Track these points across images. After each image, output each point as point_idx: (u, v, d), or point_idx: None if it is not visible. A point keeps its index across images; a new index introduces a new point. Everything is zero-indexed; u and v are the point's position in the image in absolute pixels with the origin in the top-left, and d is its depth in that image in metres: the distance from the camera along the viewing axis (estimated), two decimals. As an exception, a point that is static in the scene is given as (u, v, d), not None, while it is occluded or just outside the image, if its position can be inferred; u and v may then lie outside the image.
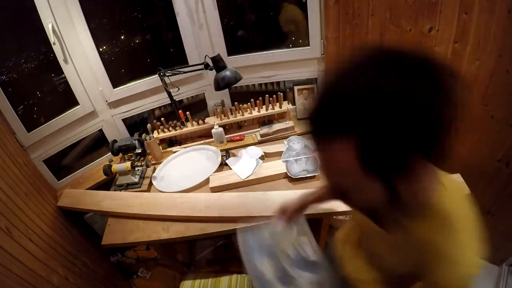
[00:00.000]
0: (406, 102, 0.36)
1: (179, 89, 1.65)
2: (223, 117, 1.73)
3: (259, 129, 1.75)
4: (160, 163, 1.65)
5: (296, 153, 1.46)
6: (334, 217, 1.84)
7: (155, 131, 1.74)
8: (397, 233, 0.55)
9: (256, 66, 1.79)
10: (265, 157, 1.56)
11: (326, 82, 0.43)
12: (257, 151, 1.56)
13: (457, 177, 1.21)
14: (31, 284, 1.04)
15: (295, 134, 1.68)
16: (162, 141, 1.78)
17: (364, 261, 0.77)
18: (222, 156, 1.58)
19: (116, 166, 1.46)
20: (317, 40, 1.66)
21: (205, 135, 1.81)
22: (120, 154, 1.61)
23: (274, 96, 1.71)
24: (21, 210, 1.16)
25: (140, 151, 1.62)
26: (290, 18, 1.75)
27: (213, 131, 1.67)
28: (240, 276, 1.35)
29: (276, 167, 1.44)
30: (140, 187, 1.49)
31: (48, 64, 1.44)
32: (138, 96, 1.73)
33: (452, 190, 0.53)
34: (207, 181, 1.43)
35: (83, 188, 1.57)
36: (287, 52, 1.76)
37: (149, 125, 1.71)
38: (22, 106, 1.39)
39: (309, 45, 1.69)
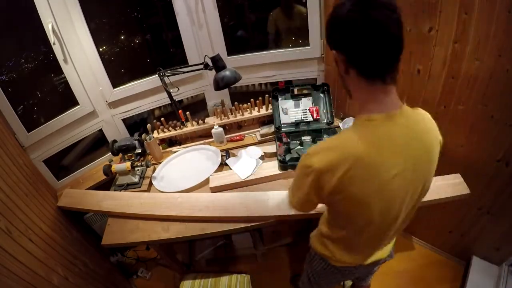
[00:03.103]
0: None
1: (179, 89, 1.65)
2: (223, 117, 1.73)
3: (259, 129, 1.75)
4: (160, 163, 1.65)
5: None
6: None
7: (155, 131, 1.74)
8: None
9: (256, 66, 1.79)
10: (265, 157, 1.56)
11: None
12: (257, 151, 1.56)
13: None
14: (31, 284, 1.04)
15: (295, 134, 1.68)
16: (162, 141, 1.78)
17: None
18: (222, 156, 1.58)
19: (116, 166, 1.46)
20: (317, 40, 1.66)
21: (205, 135, 1.81)
22: (120, 154, 1.61)
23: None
24: (21, 210, 1.16)
25: (140, 151, 1.62)
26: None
27: (213, 131, 1.67)
28: (240, 276, 1.35)
29: (276, 167, 1.44)
30: (140, 187, 1.49)
31: (48, 64, 1.44)
32: (138, 96, 1.73)
33: (368, 130, 0.64)
34: (207, 181, 1.43)
35: (83, 188, 1.56)
36: (287, 52, 1.76)
37: (149, 125, 1.71)
38: (22, 106, 1.39)
39: (309, 45, 1.69)
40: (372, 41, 0.56)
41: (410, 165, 0.65)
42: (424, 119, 0.70)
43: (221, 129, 1.68)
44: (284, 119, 1.67)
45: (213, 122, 1.71)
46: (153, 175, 1.56)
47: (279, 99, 1.68)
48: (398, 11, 0.56)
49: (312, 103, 1.67)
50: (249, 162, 1.48)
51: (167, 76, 1.51)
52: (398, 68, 0.61)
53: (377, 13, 0.54)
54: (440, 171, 1.26)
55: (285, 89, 1.67)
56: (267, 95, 1.70)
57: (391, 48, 0.57)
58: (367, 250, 0.88)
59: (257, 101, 1.71)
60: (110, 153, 1.60)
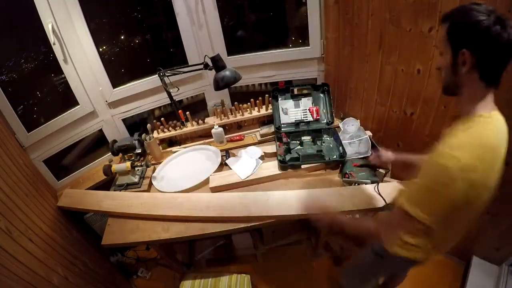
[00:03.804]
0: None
1: (178, 89, 1.65)
2: (223, 117, 1.73)
3: (259, 129, 1.75)
4: (160, 163, 1.65)
5: (350, 136, 1.48)
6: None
7: (155, 131, 1.74)
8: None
9: (256, 66, 1.79)
10: (265, 157, 1.56)
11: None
12: (257, 151, 1.56)
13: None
14: (31, 284, 1.04)
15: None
16: (162, 141, 1.78)
17: None
18: (222, 156, 1.58)
19: (116, 166, 1.46)
20: (317, 40, 1.66)
21: (205, 135, 1.81)
22: (120, 154, 1.61)
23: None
24: (21, 210, 1.16)
25: (140, 151, 1.62)
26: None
27: (213, 131, 1.67)
28: (240, 276, 1.35)
29: (276, 167, 1.44)
30: (140, 187, 1.49)
31: (48, 64, 1.44)
32: (138, 96, 1.73)
33: (491, 123, 0.70)
34: (207, 181, 1.43)
35: (83, 188, 1.56)
36: (287, 52, 1.76)
37: (149, 125, 1.71)
38: (22, 106, 1.39)
39: (309, 45, 1.69)
40: (506, 55, 0.65)
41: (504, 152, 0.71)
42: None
43: (221, 129, 1.68)
44: (284, 119, 1.67)
45: (213, 122, 1.71)
46: (153, 175, 1.56)
47: (279, 99, 1.68)
48: None
49: (312, 103, 1.68)
50: (249, 162, 1.48)
51: (167, 76, 1.51)
52: None
53: None
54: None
55: (285, 89, 1.67)
56: (267, 95, 1.70)
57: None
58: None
59: (257, 101, 1.71)
60: (110, 153, 1.60)
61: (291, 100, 1.68)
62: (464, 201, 0.70)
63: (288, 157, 1.46)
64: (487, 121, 0.70)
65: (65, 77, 1.47)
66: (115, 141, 1.58)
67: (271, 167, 1.44)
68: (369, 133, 1.62)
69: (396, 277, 1.36)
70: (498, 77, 0.69)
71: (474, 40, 0.66)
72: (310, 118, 1.66)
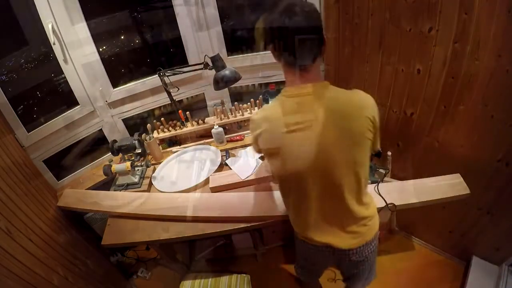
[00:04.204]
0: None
1: (178, 89, 1.65)
2: (223, 117, 1.73)
3: (259, 129, 1.75)
4: (160, 163, 1.65)
5: None
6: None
7: (155, 131, 1.74)
8: None
9: (256, 66, 1.79)
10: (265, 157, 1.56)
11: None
12: (257, 151, 1.56)
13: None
14: (31, 284, 1.04)
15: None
16: (162, 141, 1.78)
17: None
18: (222, 156, 1.58)
19: (116, 166, 1.46)
20: (317, 40, 1.66)
21: (205, 135, 1.81)
22: (120, 154, 1.61)
23: (274, 96, 1.71)
24: (21, 210, 1.16)
25: (140, 151, 1.62)
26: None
27: (213, 131, 1.67)
28: (240, 276, 1.35)
29: (276, 167, 1.44)
30: (140, 187, 1.49)
31: (48, 64, 1.44)
32: (138, 96, 1.73)
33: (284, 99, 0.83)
34: (207, 181, 1.43)
35: (83, 188, 1.57)
36: (287, 52, 1.76)
37: (149, 125, 1.71)
38: (22, 106, 1.39)
39: (309, 45, 1.69)
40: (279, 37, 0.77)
41: (316, 126, 0.78)
42: (353, 95, 0.82)
43: (221, 129, 1.68)
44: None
45: (213, 122, 1.71)
46: (153, 175, 1.56)
47: (270, 101, 1.69)
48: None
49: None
50: (249, 162, 1.48)
51: (167, 76, 1.51)
52: (308, 58, 0.78)
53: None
54: (440, 171, 1.27)
55: (278, 91, 1.68)
56: (261, 96, 1.71)
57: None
58: (305, 220, 0.95)
59: (257, 101, 1.71)
60: (110, 153, 1.60)
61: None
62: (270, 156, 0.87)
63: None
64: (281, 94, 0.84)
65: (65, 77, 1.47)
66: (115, 141, 1.58)
67: (271, 167, 1.44)
68: (369, 133, 1.62)
69: (350, 275, 1.20)
70: (291, 57, 0.77)
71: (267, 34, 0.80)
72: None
